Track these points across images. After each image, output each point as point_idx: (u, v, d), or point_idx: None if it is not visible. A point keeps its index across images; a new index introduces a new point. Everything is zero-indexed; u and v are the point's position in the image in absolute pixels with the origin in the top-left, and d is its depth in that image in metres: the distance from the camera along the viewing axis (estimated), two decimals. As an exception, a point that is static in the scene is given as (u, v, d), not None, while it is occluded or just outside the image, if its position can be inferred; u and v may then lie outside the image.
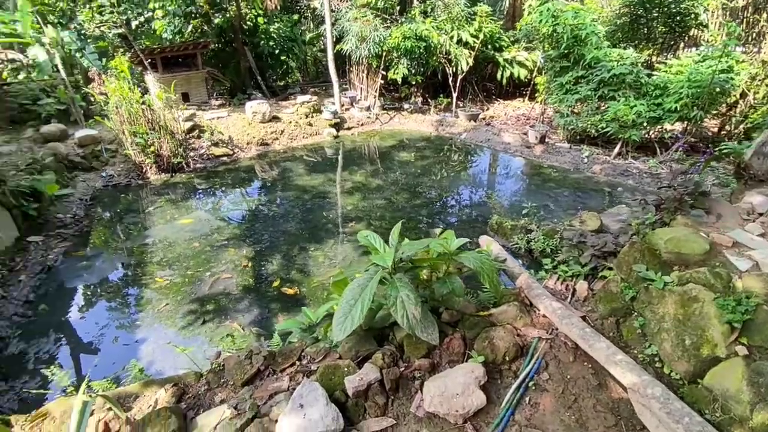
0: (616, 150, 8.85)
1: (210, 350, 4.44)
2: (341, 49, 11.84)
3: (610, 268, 3.57)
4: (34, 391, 3.79)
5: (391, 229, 2.69)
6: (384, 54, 11.34)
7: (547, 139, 9.84)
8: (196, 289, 5.35)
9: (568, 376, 2.68)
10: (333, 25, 11.51)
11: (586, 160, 8.93)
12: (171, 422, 2.01)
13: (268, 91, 13.87)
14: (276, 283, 5.38)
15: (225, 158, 9.37)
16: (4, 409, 3.69)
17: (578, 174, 8.64)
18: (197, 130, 9.46)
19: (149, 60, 11.15)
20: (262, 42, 13.69)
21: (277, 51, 14.07)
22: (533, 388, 2.22)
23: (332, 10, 11.38)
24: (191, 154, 9.06)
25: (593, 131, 9.00)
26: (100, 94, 11.87)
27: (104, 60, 13.38)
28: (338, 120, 11.15)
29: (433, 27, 11.70)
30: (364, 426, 2.06)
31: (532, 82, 12.53)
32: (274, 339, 2.86)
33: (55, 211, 6.98)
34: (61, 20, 13.05)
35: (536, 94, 11.77)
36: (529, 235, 5.55)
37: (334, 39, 11.63)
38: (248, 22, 13.77)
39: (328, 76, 14.82)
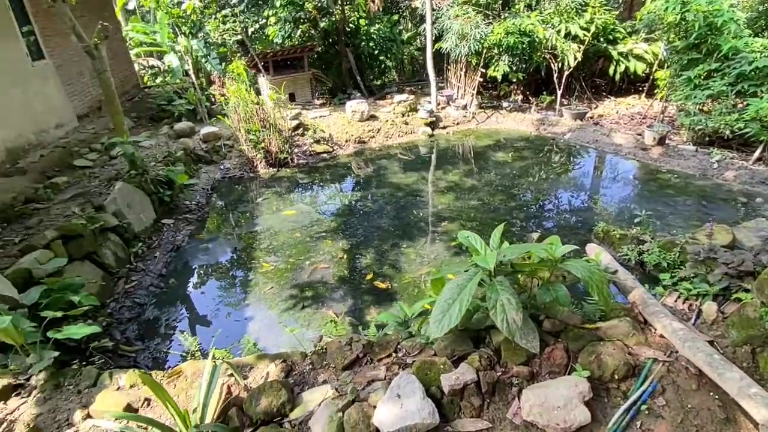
0: (756, 154, 7.62)
1: (308, 333, 4.76)
2: (440, 47, 11.82)
3: (747, 290, 3.10)
4: (169, 351, 4.40)
5: (484, 230, 2.65)
6: (484, 51, 11.07)
7: (667, 141, 8.81)
8: (296, 275, 5.76)
9: (689, 405, 2.40)
10: (433, 23, 11.53)
11: (716, 165, 7.83)
12: (281, 394, 2.20)
13: (366, 90, 14.35)
14: (369, 277, 5.58)
15: (325, 155, 9.91)
16: (140, 365, 4.33)
17: (705, 181, 7.61)
18: (301, 128, 10.13)
19: (262, 63, 12.18)
20: (363, 43, 14.21)
21: (376, 51, 14.51)
22: (646, 412, 2.03)
23: (433, 9, 11.39)
24: (295, 150, 9.74)
25: (727, 132, 7.85)
26: (219, 95, 13.35)
27: (223, 64, 15.02)
28: (434, 119, 11.15)
29: (538, 21, 11.13)
30: (459, 425, 2.06)
31: (650, 77, 11.31)
32: (370, 329, 2.98)
33: (183, 198, 7.98)
34: (192, 30, 14.89)
35: (655, 91, 10.59)
36: (641, 246, 5.04)
37: (434, 37, 11.64)
38: (350, 25, 14.39)
39: (424, 75, 14.83)
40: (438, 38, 12.01)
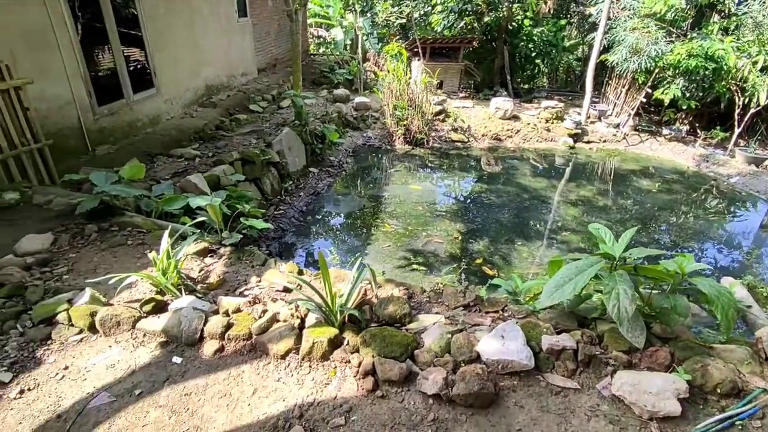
0: None
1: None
2: (605, 59, 11.19)
3: None
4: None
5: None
6: (656, 70, 10.22)
7: None
8: (412, 242, 6.30)
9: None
10: (605, 33, 10.95)
11: None
12: (404, 306, 2.69)
13: (513, 91, 14.24)
14: (478, 261, 5.86)
15: (459, 143, 10.26)
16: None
17: None
18: (443, 114, 10.60)
19: (422, 48, 12.85)
20: (522, 43, 14.05)
21: (533, 54, 14.25)
22: (739, 427, 2.03)
23: (608, 18, 10.80)
24: (432, 133, 10.25)
25: None
26: (371, 71, 14.46)
27: (380, 44, 16.15)
28: (579, 131, 10.72)
29: (732, 47, 9.87)
30: (550, 378, 2.31)
31: None
32: (482, 290, 3.32)
33: (329, 153, 9.04)
34: (363, 9, 16.23)
35: None
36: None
37: (600, 48, 11.07)
38: (513, 23, 14.31)
39: (578, 87, 14.15)
40: (605, 50, 11.37)
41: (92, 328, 2.67)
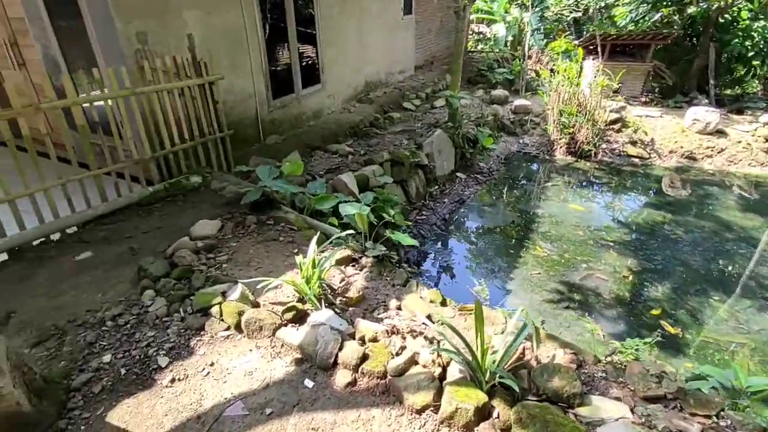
0: None
1: (564, 333, 4.48)
2: None
3: None
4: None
5: None
6: None
7: None
8: (568, 273, 5.41)
9: None
10: None
11: None
12: (576, 385, 2.08)
13: (714, 98, 11.55)
14: (656, 312, 4.72)
15: (636, 159, 8.67)
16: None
17: None
18: (620, 124, 9.06)
19: (601, 46, 11.24)
20: (735, 40, 11.26)
21: (751, 54, 11.33)
22: None
23: None
24: (603, 145, 8.85)
25: None
26: (529, 70, 13.19)
27: (545, 41, 14.59)
28: (815, 156, 8.10)
29: None
30: None
31: None
32: (679, 372, 2.49)
33: (479, 159, 8.48)
34: (533, 2, 14.90)
35: None
36: None
37: None
38: (726, 15, 11.54)
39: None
40: None
41: (238, 327, 2.70)
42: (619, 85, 9.40)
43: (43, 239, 3.70)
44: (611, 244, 6.00)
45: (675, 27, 11.61)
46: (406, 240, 3.98)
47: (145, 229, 3.87)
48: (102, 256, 3.49)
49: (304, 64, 7.66)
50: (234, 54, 6.01)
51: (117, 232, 3.85)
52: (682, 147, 8.58)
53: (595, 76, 9.20)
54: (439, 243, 6.14)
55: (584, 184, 7.90)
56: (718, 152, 8.44)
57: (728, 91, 12.77)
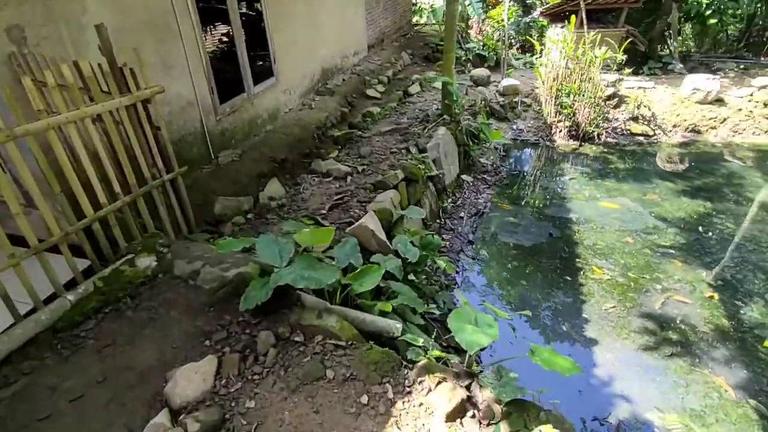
0: None
1: (688, 399, 3.44)
2: None
3: None
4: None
5: None
6: None
7: None
8: (644, 299, 4.38)
9: None
10: None
11: None
12: None
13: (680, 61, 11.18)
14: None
15: (642, 138, 7.89)
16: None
17: None
18: (616, 99, 8.22)
19: (582, 11, 10.26)
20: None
21: (707, 12, 11.04)
22: None
23: None
24: (604, 125, 7.98)
25: None
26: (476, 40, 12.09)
27: (482, 9, 13.37)
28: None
29: None
30: None
31: None
32: None
33: (479, 154, 7.23)
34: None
35: None
36: None
37: None
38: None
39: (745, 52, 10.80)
40: None
41: None
42: (624, 57, 8.46)
43: None
44: (670, 251, 5.07)
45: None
46: (482, 340, 2.23)
47: (71, 391, 2.13)
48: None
49: (252, 54, 5.84)
50: (163, 49, 4.18)
51: (13, 409, 2.08)
52: (685, 120, 7.92)
53: (579, 47, 8.21)
54: (476, 276, 4.85)
55: (601, 173, 6.94)
56: (721, 122, 7.88)
57: (681, 49, 12.59)
